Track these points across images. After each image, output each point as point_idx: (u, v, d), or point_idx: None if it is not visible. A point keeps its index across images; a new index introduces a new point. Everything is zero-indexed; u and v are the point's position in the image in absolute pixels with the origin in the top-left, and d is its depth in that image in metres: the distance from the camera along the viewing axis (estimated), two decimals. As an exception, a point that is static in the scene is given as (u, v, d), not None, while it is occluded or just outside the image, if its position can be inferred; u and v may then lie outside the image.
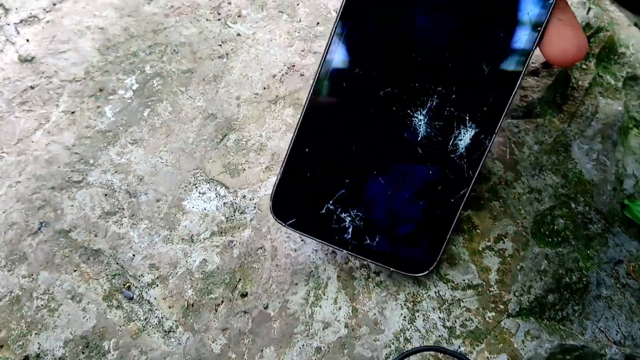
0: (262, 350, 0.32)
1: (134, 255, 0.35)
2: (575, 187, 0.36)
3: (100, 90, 0.41)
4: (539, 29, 0.28)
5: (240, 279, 0.34)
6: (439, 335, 0.32)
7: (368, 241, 0.31)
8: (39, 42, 0.42)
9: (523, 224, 0.34)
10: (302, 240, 0.35)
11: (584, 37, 0.27)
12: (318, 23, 0.44)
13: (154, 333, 0.33)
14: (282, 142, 0.38)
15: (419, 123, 0.30)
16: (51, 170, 0.38)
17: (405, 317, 0.32)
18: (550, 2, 0.27)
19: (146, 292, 0.34)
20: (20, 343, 0.33)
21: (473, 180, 0.30)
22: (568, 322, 0.33)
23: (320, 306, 0.33)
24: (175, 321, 0.33)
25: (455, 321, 0.32)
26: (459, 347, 0.31)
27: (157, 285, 0.34)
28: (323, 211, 0.32)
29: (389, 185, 0.31)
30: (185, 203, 0.36)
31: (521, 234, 0.34)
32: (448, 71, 0.29)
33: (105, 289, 0.34)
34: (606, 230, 0.36)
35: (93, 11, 0.44)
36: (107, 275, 0.35)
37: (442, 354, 0.31)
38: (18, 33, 0.43)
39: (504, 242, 0.34)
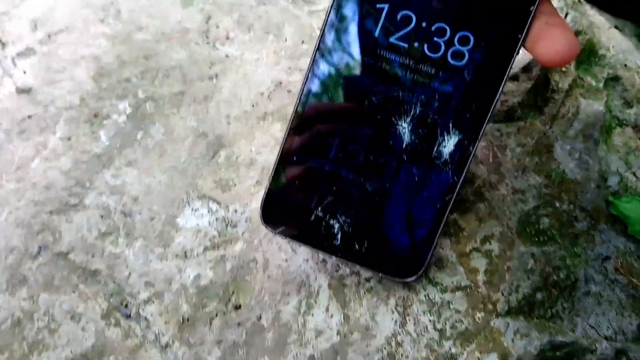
0: (257, 361, 0.33)
1: (130, 273, 0.36)
2: (559, 186, 0.37)
3: (95, 116, 0.42)
4: (520, 35, 0.28)
5: (233, 292, 0.35)
6: (430, 338, 0.32)
7: (357, 247, 0.32)
8: (35, 73, 0.44)
9: (508, 225, 0.35)
10: (293, 250, 0.35)
11: (574, 36, 0.27)
12: (303, 41, 0.46)
13: (151, 349, 0.34)
14: (271, 156, 0.39)
15: (404, 130, 0.31)
16: (49, 195, 0.39)
17: (396, 321, 0.33)
18: (532, 7, 0.27)
19: (143, 309, 0.35)
20: (22, 364, 0.34)
21: (458, 186, 0.31)
22: (558, 319, 0.33)
23: (312, 315, 0.33)
24: (172, 336, 0.34)
25: (446, 323, 0.32)
26: (450, 348, 0.32)
27: (153, 302, 0.35)
28: (312, 218, 0.32)
29: (376, 191, 0.32)
30: (179, 220, 0.37)
31: (507, 235, 0.34)
32: (431, 79, 0.30)
33: (103, 308, 0.35)
34: (592, 227, 0.36)
35: (87, 41, 0.46)
36: (104, 294, 0.36)
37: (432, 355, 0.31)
38: (15, 65, 0.45)
39: (490, 243, 0.34)
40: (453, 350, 0.31)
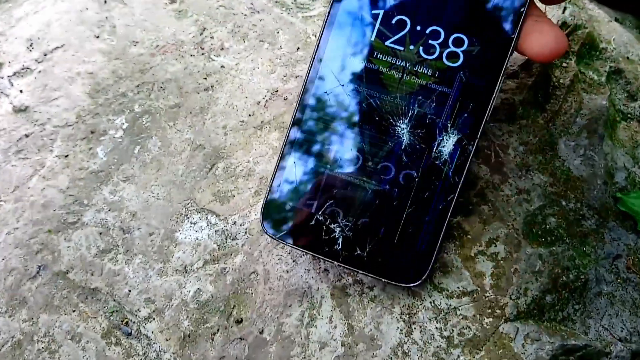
0: (261, 376, 0.32)
1: (129, 290, 0.35)
2: (565, 184, 0.36)
3: (92, 132, 0.42)
4: (514, 33, 0.29)
5: (234, 306, 0.34)
6: (437, 346, 0.31)
7: (359, 251, 0.31)
8: (31, 92, 0.44)
9: (514, 226, 0.34)
10: (293, 260, 0.35)
11: (562, 32, 0.28)
12: (298, 48, 0.45)
13: (154, 366, 0.33)
14: (269, 166, 0.39)
15: (402, 132, 0.31)
16: (47, 214, 0.39)
17: (401, 330, 0.32)
18: (523, 9, 0.29)
19: (143, 327, 0.34)
20: (24, 387, 0.33)
21: (459, 186, 0.31)
22: (570, 322, 0.32)
23: (315, 326, 0.33)
24: (173, 353, 0.33)
25: (453, 330, 0.31)
26: (458, 356, 0.31)
27: (154, 319, 0.34)
28: (312, 223, 0.32)
29: (376, 194, 0.31)
30: (178, 234, 0.37)
31: (512, 236, 0.33)
32: (427, 80, 0.31)
33: (103, 327, 0.35)
34: (601, 225, 0.35)
35: (82, 57, 0.46)
36: (104, 312, 0.35)
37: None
38: (12, 85, 0.45)
39: (495, 246, 0.33)
40: (462, 358, 0.30)
